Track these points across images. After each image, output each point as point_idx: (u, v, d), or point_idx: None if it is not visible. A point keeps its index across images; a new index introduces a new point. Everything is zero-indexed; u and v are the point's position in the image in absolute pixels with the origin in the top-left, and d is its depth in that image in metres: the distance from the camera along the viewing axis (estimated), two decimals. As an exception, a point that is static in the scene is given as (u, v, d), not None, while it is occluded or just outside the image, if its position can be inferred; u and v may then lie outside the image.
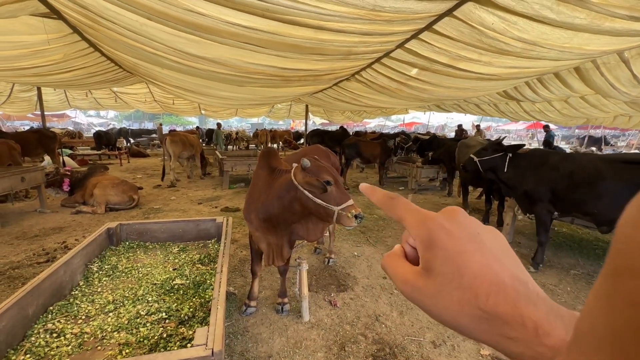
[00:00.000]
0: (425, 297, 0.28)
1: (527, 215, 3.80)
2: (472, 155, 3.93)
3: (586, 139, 18.50)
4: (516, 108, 8.24)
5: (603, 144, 17.88)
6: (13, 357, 1.46)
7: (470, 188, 6.69)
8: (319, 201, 1.92)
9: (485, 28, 2.82)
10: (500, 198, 4.90)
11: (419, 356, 2.28)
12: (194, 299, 2.00)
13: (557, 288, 3.22)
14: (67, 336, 1.63)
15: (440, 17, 2.86)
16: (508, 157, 3.70)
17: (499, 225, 4.93)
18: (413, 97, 6.33)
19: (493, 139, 7.97)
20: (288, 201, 2.08)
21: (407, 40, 3.54)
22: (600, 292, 0.18)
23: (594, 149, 17.11)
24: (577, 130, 24.22)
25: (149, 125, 28.74)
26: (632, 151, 15.31)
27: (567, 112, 7.37)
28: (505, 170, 3.68)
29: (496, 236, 0.30)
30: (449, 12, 2.74)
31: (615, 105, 6.15)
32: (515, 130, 28.08)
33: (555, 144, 12.79)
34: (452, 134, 16.80)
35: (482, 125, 16.18)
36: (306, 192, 1.95)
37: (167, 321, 1.79)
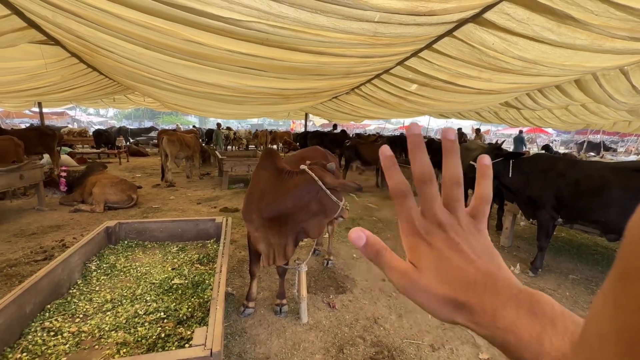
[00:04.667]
0: (418, 290, 0.33)
1: (530, 220, 3.78)
2: (472, 162, 3.91)
3: (585, 144, 18.54)
4: (516, 115, 8.28)
5: (602, 149, 17.92)
6: (10, 355, 1.45)
7: (470, 191, 6.70)
8: (334, 199, 2.12)
9: (485, 48, 2.85)
10: (500, 202, 4.90)
11: (418, 359, 2.27)
12: (192, 299, 1.99)
13: (555, 293, 3.22)
14: (65, 335, 1.62)
15: (439, 38, 2.88)
16: (511, 162, 3.69)
17: (498, 229, 4.94)
18: (412, 110, 6.40)
19: (493, 142, 7.97)
20: (307, 200, 2.15)
21: (407, 58, 3.57)
22: (607, 293, 0.18)
23: (592, 154, 17.15)
24: (575, 135, 24.31)
25: (149, 124, 28.68)
26: (631, 157, 15.34)
27: (567, 118, 7.41)
28: (510, 175, 3.67)
29: (479, 238, 0.35)
30: (448, 33, 2.76)
31: (615, 113, 6.19)
32: (515, 134, 28.22)
33: (555, 149, 13.18)
34: (451, 138, 16.78)
35: (482, 129, 16.18)
36: (328, 192, 2.09)
37: (165, 321, 1.78)
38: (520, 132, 14.14)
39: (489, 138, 23.51)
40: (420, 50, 3.26)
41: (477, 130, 14.76)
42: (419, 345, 2.40)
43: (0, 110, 16.36)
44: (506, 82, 3.91)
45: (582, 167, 3.37)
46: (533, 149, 19.59)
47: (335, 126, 13.62)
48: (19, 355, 1.46)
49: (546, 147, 11.29)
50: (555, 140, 25.19)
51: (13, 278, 3.06)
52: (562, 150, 19.13)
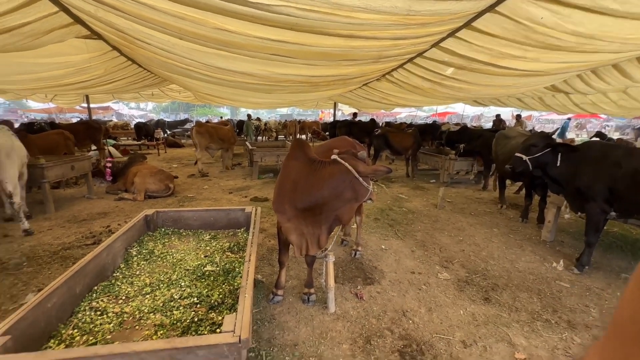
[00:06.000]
0: None
1: (579, 214, 3.47)
2: (519, 155, 3.56)
3: (644, 129, 16.65)
4: (564, 101, 7.56)
5: (665, 134, 16.02)
6: (63, 331, 1.60)
7: (508, 182, 6.30)
8: (366, 185, 2.14)
9: (533, 23, 2.56)
10: (542, 193, 4.56)
11: (448, 355, 2.21)
12: (223, 286, 2.07)
13: (604, 292, 2.97)
14: (109, 315, 1.75)
15: (480, 14, 2.65)
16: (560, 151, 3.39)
17: (540, 222, 4.62)
18: (448, 96, 6.07)
19: (536, 129, 7.40)
20: (342, 189, 2.16)
21: (443, 39, 3.34)
22: None
23: (653, 140, 15.36)
24: (633, 120, 21.86)
25: (184, 117, 30.01)
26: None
27: (625, 103, 6.65)
28: (558, 164, 3.38)
29: None
30: (490, 8, 2.52)
31: (686, 93, 5.49)
32: (560, 120, 25.99)
33: (608, 135, 11.96)
34: (489, 125, 15.85)
35: (523, 115, 14.98)
36: (360, 179, 2.11)
37: (198, 306, 1.86)
38: (569, 119, 13.05)
39: (531, 124, 21.84)
40: (458, 29, 3.02)
41: (518, 117, 13.67)
42: (450, 341, 2.33)
43: (54, 106, 17.86)
44: (556, 62, 3.54)
45: None
46: (582, 136, 17.97)
47: (355, 115, 13.35)
48: (71, 331, 1.60)
49: (599, 134, 10.28)
50: (608, 126, 22.90)
51: (67, 260, 3.37)
52: (616, 136, 17.35)
